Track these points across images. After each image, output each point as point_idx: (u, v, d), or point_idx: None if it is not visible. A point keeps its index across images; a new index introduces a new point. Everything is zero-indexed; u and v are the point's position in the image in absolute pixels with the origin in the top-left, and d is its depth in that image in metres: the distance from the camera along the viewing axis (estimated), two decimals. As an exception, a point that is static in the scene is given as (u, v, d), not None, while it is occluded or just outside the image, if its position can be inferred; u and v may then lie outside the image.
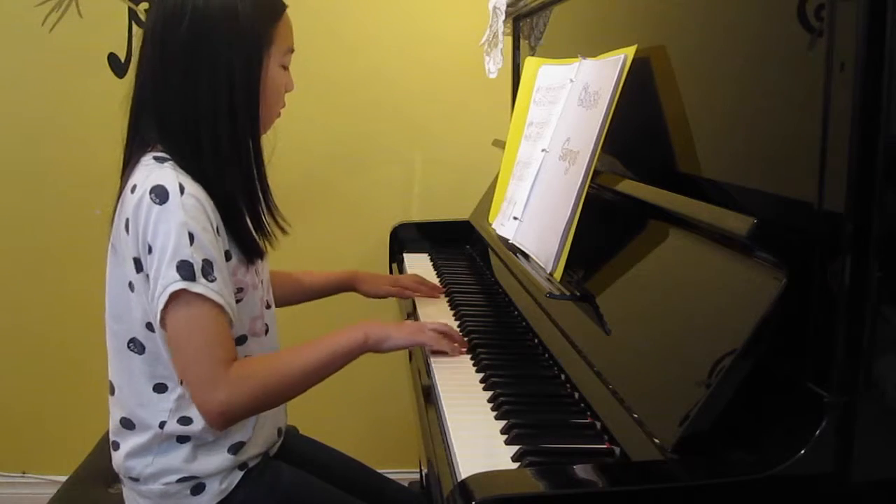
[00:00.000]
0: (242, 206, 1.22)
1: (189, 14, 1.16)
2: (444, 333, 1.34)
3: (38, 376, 2.42)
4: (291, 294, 1.60)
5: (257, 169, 1.24)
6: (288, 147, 2.24)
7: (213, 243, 1.14)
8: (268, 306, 1.34)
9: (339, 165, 2.40)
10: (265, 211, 1.27)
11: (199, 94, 1.17)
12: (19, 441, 2.45)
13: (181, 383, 1.19)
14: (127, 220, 1.14)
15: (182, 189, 1.12)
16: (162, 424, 1.20)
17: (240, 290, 1.22)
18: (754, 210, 0.87)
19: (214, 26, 1.16)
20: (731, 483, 0.78)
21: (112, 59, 2.29)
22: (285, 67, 1.26)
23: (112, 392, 1.25)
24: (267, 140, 1.28)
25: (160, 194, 1.11)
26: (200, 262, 1.11)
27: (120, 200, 1.18)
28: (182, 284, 1.09)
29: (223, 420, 1.15)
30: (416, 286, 1.70)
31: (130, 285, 1.17)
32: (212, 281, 1.12)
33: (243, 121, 1.19)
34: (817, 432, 0.77)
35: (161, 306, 1.11)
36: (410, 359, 1.38)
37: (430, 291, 1.69)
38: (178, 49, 1.17)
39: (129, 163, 1.20)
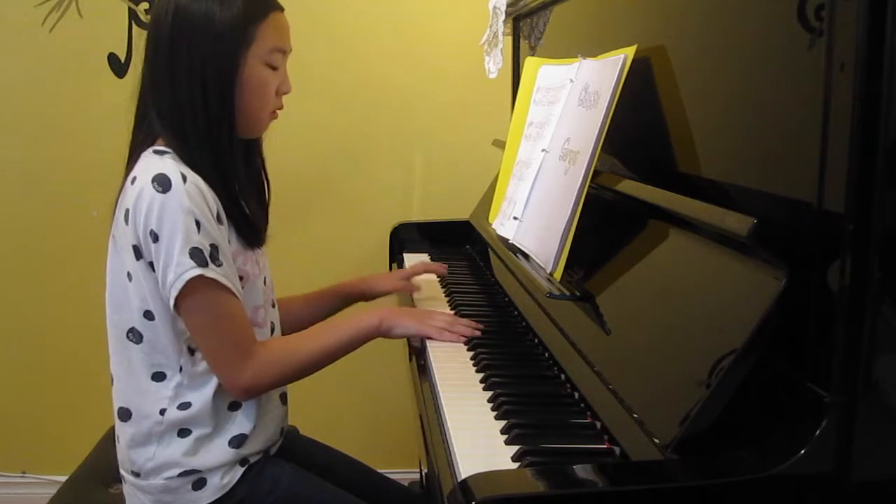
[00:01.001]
0: (235, 194, 1.25)
1: (172, 12, 1.20)
2: (449, 324, 1.37)
3: (38, 376, 2.42)
4: (300, 312, 1.54)
5: (232, 164, 1.25)
6: (288, 147, 2.25)
7: (215, 230, 1.17)
8: (273, 305, 1.35)
9: (339, 165, 2.40)
10: (238, 203, 1.27)
11: (179, 90, 1.21)
12: (19, 441, 2.45)
13: (180, 370, 1.21)
14: (127, 210, 1.17)
15: (184, 178, 1.15)
16: (162, 412, 1.22)
17: (240, 278, 1.24)
18: (754, 210, 0.86)
19: (192, 25, 1.20)
20: (731, 483, 0.78)
21: (112, 59, 2.29)
22: (274, 67, 1.26)
23: (112, 383, 1.27)
24: (262, 138, 1.30)
25: (163, 183, 1.14)
26: (209, 248, 1.15)
27: (121, 193, 1.21)
28: (198, 271, 1.13)
29: (248, 396, 1.25)
30: (424, 268, 1.72)
31: (129, 275, 1.19)
32: (219, 265, 1.16)
33: (218, 116, 1.21)
34: (817, 432, 0.77)
35: (176, 293, 1.14)
36: (410, 358, 1.38)
37: (439, 269, 1.72)
38: (163, 47, 1.21)
39: (132, 157, 1.23)
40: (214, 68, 1.20)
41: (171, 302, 1.15)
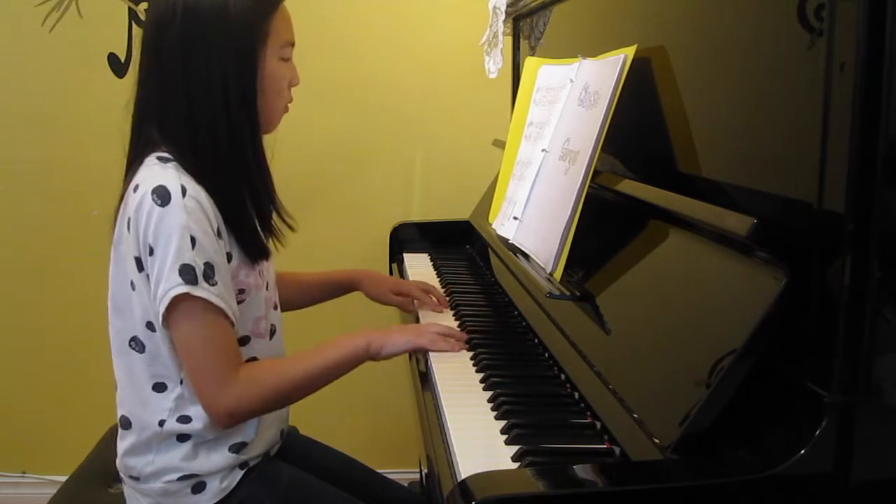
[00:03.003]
0: (247, 205, 1.22)
1: (180, 13, 1.15)
2: (444, 334, 1.33)
3: (38, 376, 2.42)
4: (293, 297, 1.55)
5: (258, 166, 1.23)
6: (288, 147, 2.24)
7: (213, 247, 1.14)
8: (275, 307, 1.34)
9: (339, 165, 2.40)
10: (271, 209, 1.27)
11: (195, 94, 1.16)
12: (19, 441, 2.45)
13: (181, 383, 1.19)
14: (129, 219, 1.15)
15: (184, 191, 1.12)
16: (161, 423, 1.20)
17: (241, 291, 1.22)
18: (754, 210, 0.87)
19: (205, 24, 1.16)
20: (731, 483, 0.78)
21: (112, 59, 2.29)
22: (286, 60, 1.24)
23: (116, 388, 1.26)
24: (266, 139, 1.27)
25: (162, 195, 1.11)
26: (202, 266, 1.12)
27: (123, 200, 1.19)
28: (185, 288, 1.11)
29: (230, 422, 1.19)
30: (422, 296, 1.62)
31: (132, 284, 1.18)
32: (213, 285, 1.13)
33: (240, 118, 1.18)
34: (817, 432, 0.77)
35: (163, 309, 1.12)
36: (410, 358, 1.38)
37: (435, 305, 1.59)
38: (173, 49, 1.16)
39: (133, 163, 1.20)
40: (235, 67, 1.16)
41: (160, 319, 1.13)
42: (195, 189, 1.14)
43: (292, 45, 1.25)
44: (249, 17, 1.17)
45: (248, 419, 1.23)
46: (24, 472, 2.47)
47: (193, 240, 1.11)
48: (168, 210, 1.11)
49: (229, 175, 1.19)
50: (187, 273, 1.11)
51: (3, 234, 2.36)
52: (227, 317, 1.15)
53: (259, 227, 1.26)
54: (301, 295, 1.59)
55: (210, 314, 1.13)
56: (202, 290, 1.12)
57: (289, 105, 1.28)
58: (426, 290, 1.63)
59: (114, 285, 1.21)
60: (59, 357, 2.40)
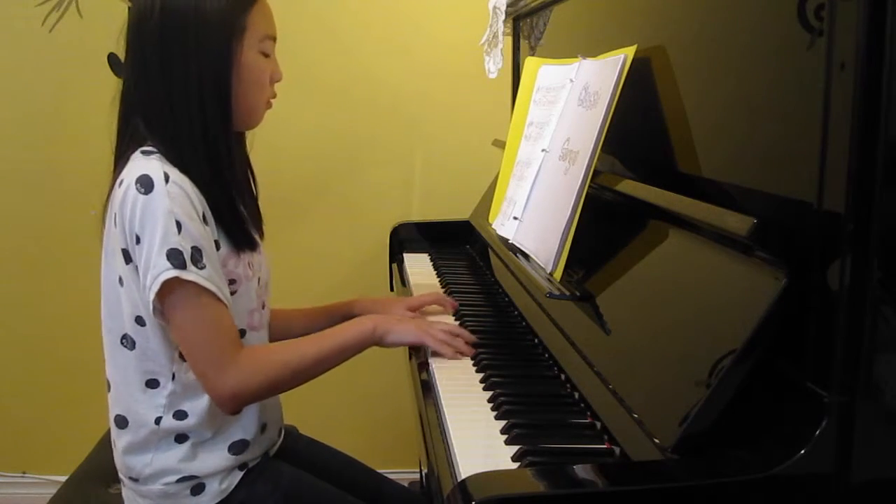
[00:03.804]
0: (231, 194, 1.23)
1: (158, 10, 1.18)
2: (451, 335, 1.31)
3: (38, 376, 2.42)
4: (279, 333, 1.44)
5: (233, 158, 1.23)
6: (289, 148, 2.25)
7: (200, 231, 1.15)
8: (263, 306, 1.33)
9: (339, 165, 2.40)
10: (241, 203, 1.27)
11: (173, 88, 1.18)
12: (19, 441, 2.45)
13: (173, 378, 1.20)
14: (115, 214, 1.15)
15: (167, 178, 1.13)
16: (158, 420, 1.20)
17: (232, 282, 1.22)
18: (754, 210, 0.87)
19: (181, 18, 1.17)
20: (731, 483, 0.78)
21: (112, 59, 2.28)
22: (266, 55, 1.24)
23: (109, 389, 1.26)
24: (250, 134, 1.26)
25: (145, 184, 1.12)
26: (189, 250, 1.12)
27: (110, 197, 1.19)
28: (173, 272, 1.11)
29: (233, 406, 1.19)
30: (434, 300, 1.57)
31: (120, 280, 1.18)
32: (202, 268, 1.13)
33: (213, 113, 1.19)
34: (817, 432, 0.77)
35: (153, 295, 1.12)
36: (410, 358, 1.38)
37: (449, 307, 1.56)
38: (152, 44, 1.18)
39: (120, 160, 1.21)
40: (210, 62, 1.18)
41: (150, 306, 1.13)
42: (179, 177, 1.15)
43: (273, 39, 1.26)
44: (224, 13, 1.19)
45: (253, 402, 1.23)
46: (24, 472, 2.47)
47: (179, 224, 1.12)
48: (152, 197, 1.11)
49: (208, 167, 1.19)
50: (175, 257, 1.11)
51: (2, 233, 2.36)
52: (219, 300, 1.15)
53: (246, 217, 1.26)
54: (310, 323, 1.50)
55: (202, 297, 1.13)
56: (191, 274, 1.12)
57: (272, 101, 1.28)
58: (436, 298, 1.58)
59: (105, 284, 1.22)
60: (59, 357, 2.40)
